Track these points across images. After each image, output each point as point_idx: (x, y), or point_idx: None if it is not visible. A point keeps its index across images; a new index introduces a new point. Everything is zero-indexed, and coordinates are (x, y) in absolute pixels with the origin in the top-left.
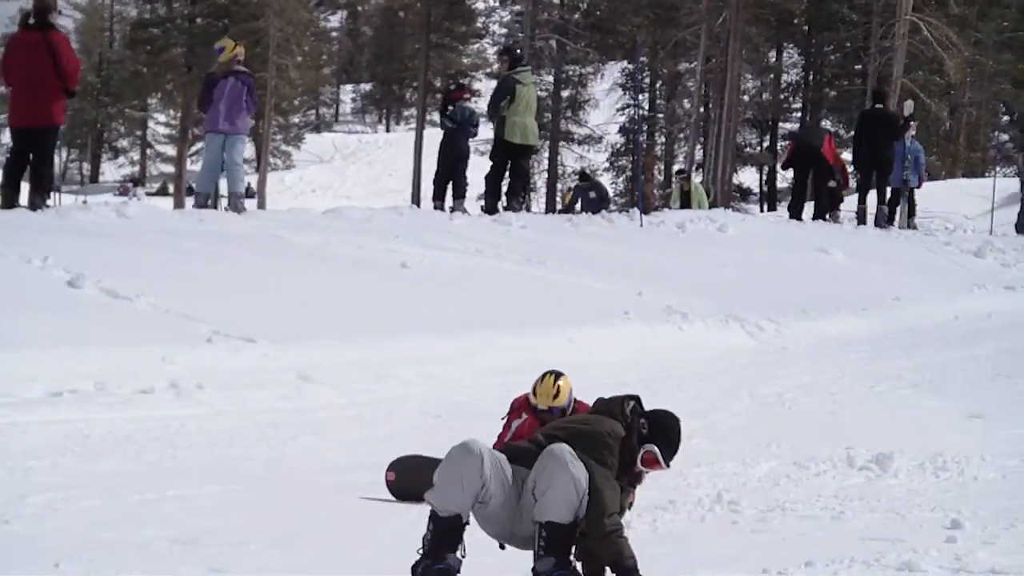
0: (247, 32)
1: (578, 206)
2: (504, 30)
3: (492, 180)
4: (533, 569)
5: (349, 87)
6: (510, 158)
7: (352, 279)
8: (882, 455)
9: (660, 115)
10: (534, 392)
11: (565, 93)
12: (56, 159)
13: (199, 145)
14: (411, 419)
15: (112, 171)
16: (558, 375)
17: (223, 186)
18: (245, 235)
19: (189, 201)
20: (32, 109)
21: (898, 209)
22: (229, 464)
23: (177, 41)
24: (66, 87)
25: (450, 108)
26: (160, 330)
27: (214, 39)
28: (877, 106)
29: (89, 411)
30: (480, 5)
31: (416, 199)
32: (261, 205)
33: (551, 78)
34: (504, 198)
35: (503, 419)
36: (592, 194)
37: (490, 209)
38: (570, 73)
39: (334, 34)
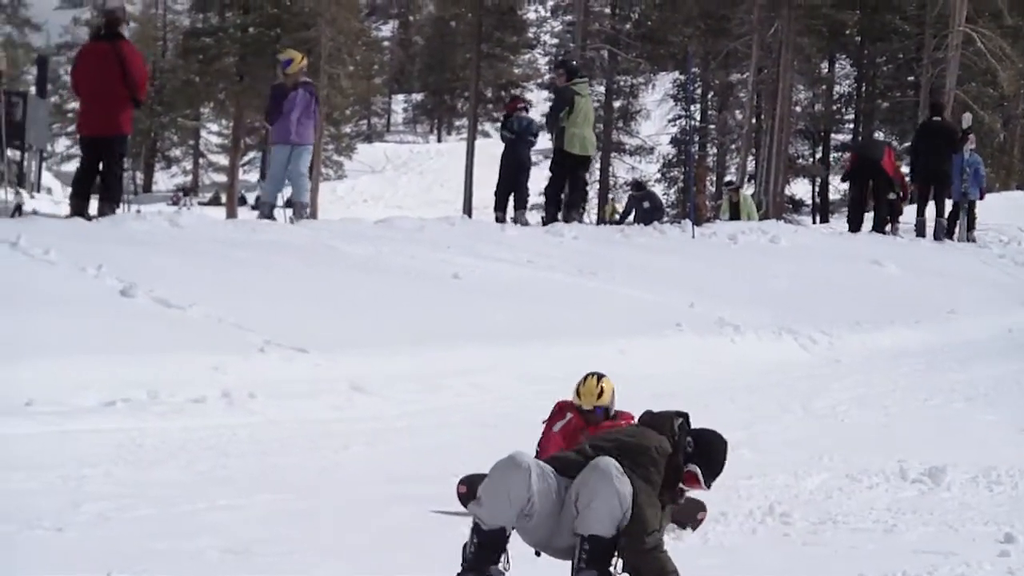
0: (299, 42)
1: (631, 217)
2: (555, 40)
3: (551, 191)
4: None
5: (400, 97)
6: (569, 169)
7: (404, 289)
8: (935, 468)
9: (712, 126)
10: (577, 393)
11: (616, 104)
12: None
13: (251, 155)
14: (462, 429)
15: (165, 181)
16: (600, 375)
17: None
18: (297, 245)
19: (242, 211)
20: (101, 119)
21: (957, 222)
22: (280, 473)
23: (229, 50)
24: (134, 97)
25: (508, 120)
26: (213, 339)
27: (266, 49)
28: (935, 119)
29: (142, 420)
30: (531, 16)
31: (467, 209)
32: (313, 215)
33: (602, 88)
34: (563, 209)
35: (544, 421)
36: (646, 204)
37: (549, 220)
38: (621, 84)
39: (386, 44)
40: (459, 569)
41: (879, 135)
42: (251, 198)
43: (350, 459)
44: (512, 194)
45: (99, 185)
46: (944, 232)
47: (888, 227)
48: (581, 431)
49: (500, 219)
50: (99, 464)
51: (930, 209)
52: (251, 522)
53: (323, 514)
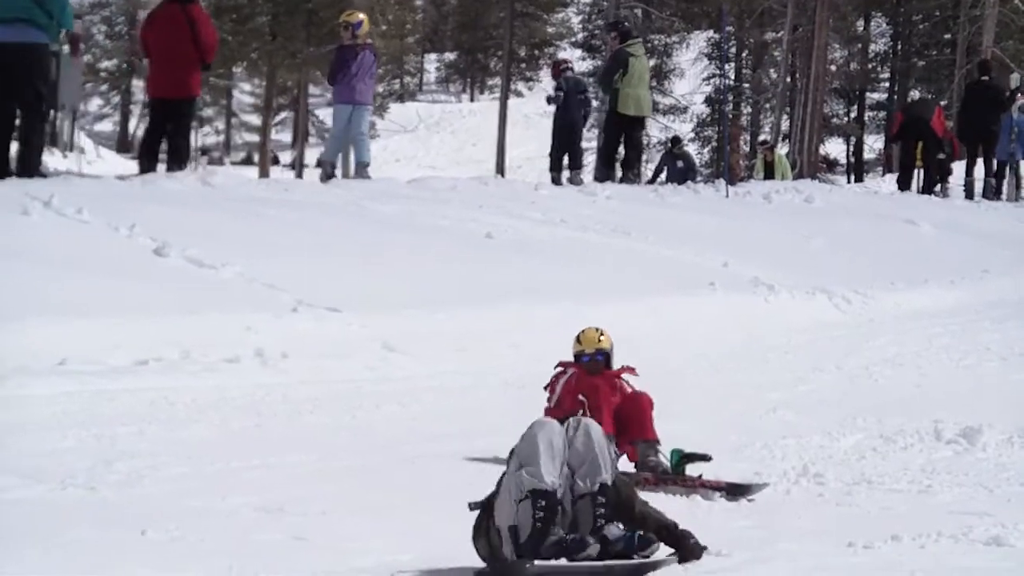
0: (332, 1)
1: (663, 175)
2: None
3: (605, 151)
4: (602, 540)
5: (433, 56)
6: (624, 130)
7: (436, 249)
8: (970, 428)
9: (746, 85)
10: (578, 340)
11: (651, 63)
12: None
13: (283, 115)
14: (495, 389)
15: (198, 140)
16: (597, 327)
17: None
18: (330, 204)
19: (275, 170)
20: (170, 80)
21: (1005, 181)
22: (313, 433)
23: (262, 10)
24: (203, 59)
25: (557, 81)
26: (245, 299)
27: (299, 8)
28: (983, 79)
29: (174, 379)
30: None
31: (500, 169)
32: (345, 175)
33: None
34: (619, 169)
35: (546, 388)
36: (680, 163)
37: (603, 180)
38: (655, 42)
39: (418, 3)
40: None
41: (915, 93)
42: (284, 158)
43: (383, 418)
44: (567, 154)
45: (167, 145)
46: (993, 192)
47: (937, 187)
48: (585, 383)
49: (556, 180)
50: (132, 423)
51: (979, 169)
52: (284, 481)
53: (356, 473)
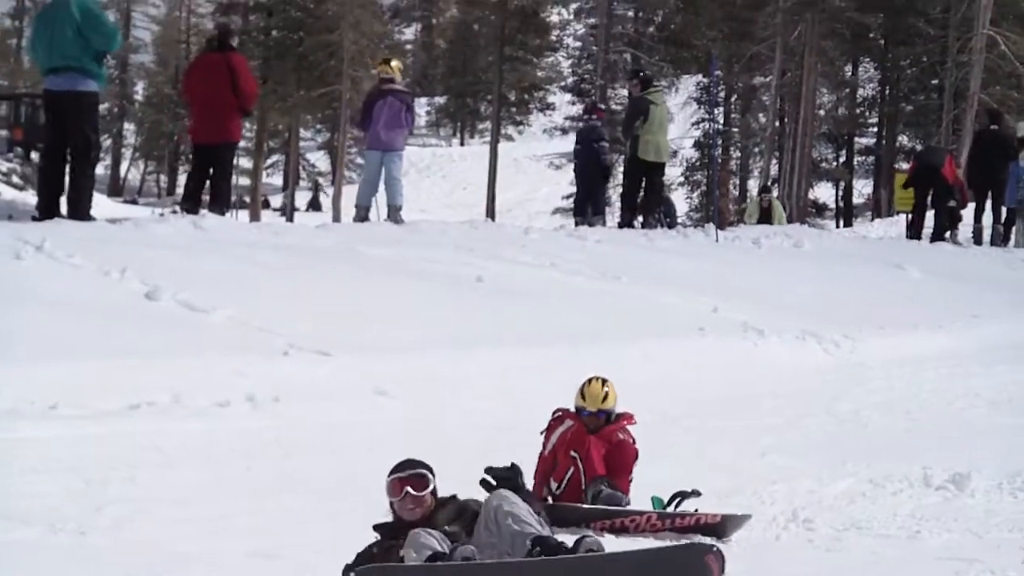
0: (322, 45)
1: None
2: (578, 43)
3: (625, 196)
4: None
5: (423, 100)
6: (643, 175)
7: (427, 293)
8: (959, 474)
9: (735, 129)
10: (582, 395)
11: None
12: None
13: (274, 158)
14: (487, 433)
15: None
16: (605, 379)
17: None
18: (322, 248)
19: (266, 214)
20: (211, 127)
21: (1014, 228)
22: (304, 477)
23: (253, 54)
24: (243, 107)
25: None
26: (237, 343)
27: (289, 52)
28: (992, 127)
29: (165, 423)
30: (554, 18)
31: (491, 212)
32: (336, 218)
33: (624, 92)
34: (639, 213)
35: (542, 432)
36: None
37: (625, 224)
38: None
39: (408, 47)
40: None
41: (903, 139)
42: (275, 201)
43: (374, 462)
44: (589, 200)
45: (209, 189)
46: (1001, 238)
47: (948, 233)
48: (580, 441)
49: (579, 223)
50: (122, 467)
51: (987, 216)
52: (276, 525)
53: (348, 517)
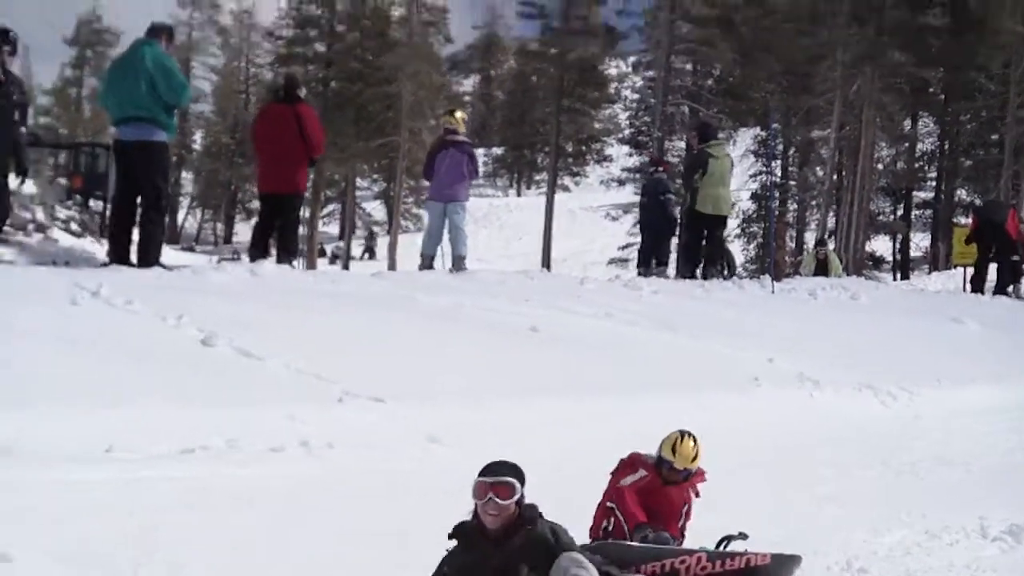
0: (380, 96)
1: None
2: (636, 95)
3: (686, 249)
4: None
5: (481, 151)
6: (704, 228)
7: (482, 341)
8: (1016, 526)
9: (792, 182)
10: (672, 450)
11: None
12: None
13: (331, 207)
14: (540, 482)
15: (245, 232)
16: (695, 438)
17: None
18: (377, 296)
19: (321, 262)
20: (279, 177)
21: None
22: (358, 524)
23: (311, 104)
24: (310, 156)
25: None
26: (291, 389)
27: (348, 102)
28: None
29: (219, 468)
30: (612, 71)
31: (546, 263)
32: (392, 267)
33: (682, 143)
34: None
35: (612, 473)
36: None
37: (685, 276)
38: None
39: (467, 98)
40: None
41: (962, 193)
42: (329, 249)
43: (427, 510)
44: (654, 251)
45: (276, 239)
46: None
47: (1011, 288)
48: (653, 491)
49: (642, 274)
50: (175, 511)
51: None
52: (329, 572)
53: (401, 566)
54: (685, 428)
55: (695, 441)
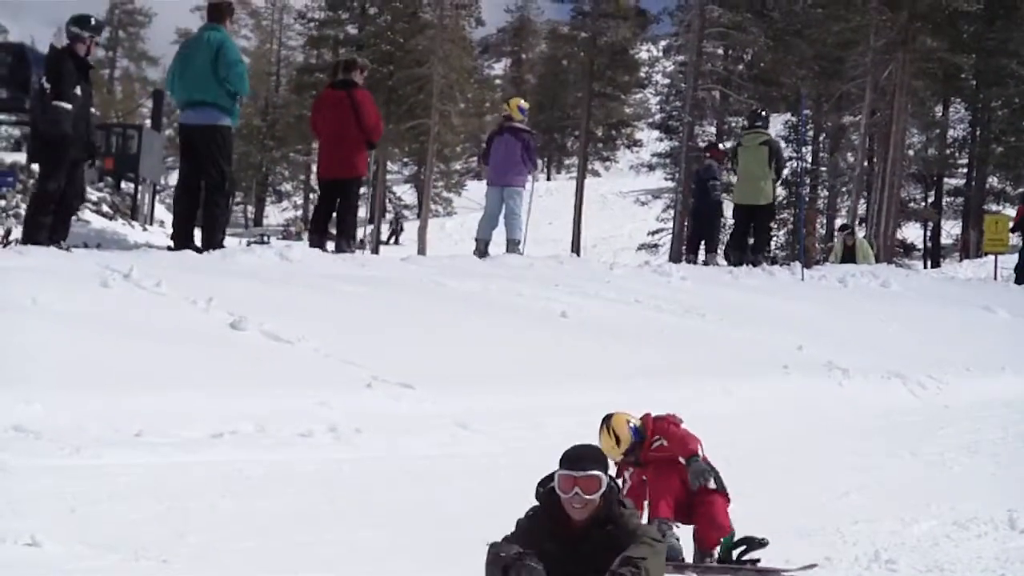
0: (412, 79)
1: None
2: (667, 80)
3: (732, 237)
4: None
5: None
6: (745, 218)
7: (511, 327)
8: None
9: (823, 168)
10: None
11: (727, 144)
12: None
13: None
14: None
15: (276, 214)
16: (606, 422)
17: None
18: (407, 281)
19: None
20: (338, 162)
21: None
22: (386, 508)
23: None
24: (368, 140)
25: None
26: (320, 374)
27: (379, 85)
28: None
29: (248, 452)
30: (643, 55)
31: (576, 248)
32: (422, 251)
33: (713, 129)
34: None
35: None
36: None
37: (732, 262)
38: (732, 124)
39: (498, 82)
40: None
41: (993, 180)
42: (361, 233)
43: (455, 495)
44: (703, 239)
45: (336, 222)
46: None
47: None
48: (639, 480)
49: (691, 260)
50: (205, 495)
51: None
52: (357, 556)
53: (428, 550)
54: (604, 415)
55: (609, 430)
